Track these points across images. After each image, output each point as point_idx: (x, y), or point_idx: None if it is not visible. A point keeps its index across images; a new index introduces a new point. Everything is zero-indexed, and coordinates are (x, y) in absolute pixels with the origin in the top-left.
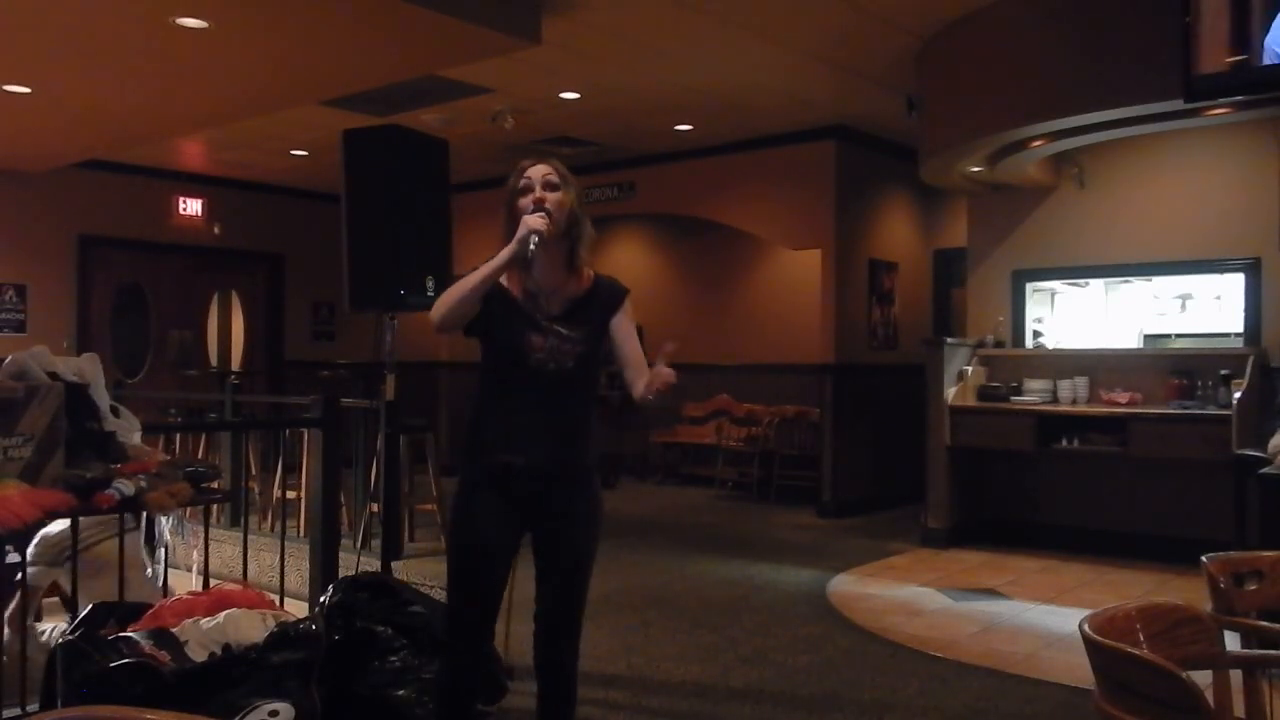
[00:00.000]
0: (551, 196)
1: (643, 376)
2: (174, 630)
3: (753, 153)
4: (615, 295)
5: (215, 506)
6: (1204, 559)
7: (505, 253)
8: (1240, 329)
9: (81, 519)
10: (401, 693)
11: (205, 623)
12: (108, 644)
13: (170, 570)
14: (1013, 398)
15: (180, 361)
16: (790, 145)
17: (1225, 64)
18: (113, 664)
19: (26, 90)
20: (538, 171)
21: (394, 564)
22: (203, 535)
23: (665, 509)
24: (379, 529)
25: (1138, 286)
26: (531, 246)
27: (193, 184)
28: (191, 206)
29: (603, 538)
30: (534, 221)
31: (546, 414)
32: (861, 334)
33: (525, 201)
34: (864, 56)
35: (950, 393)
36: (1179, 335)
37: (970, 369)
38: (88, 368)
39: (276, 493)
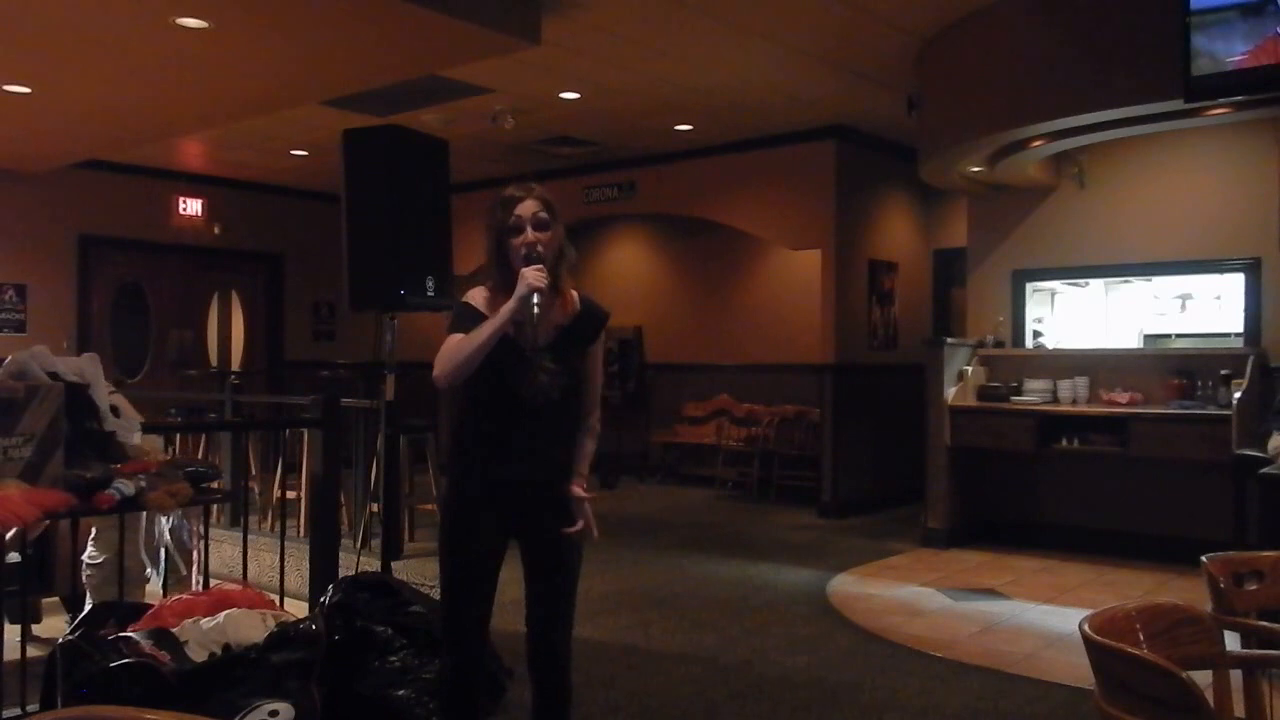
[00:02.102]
0: (543, 237)
1: (593, 413)
2: (174, 630)
3: (753, 153)
4: (597, 323)
5: (215, 506)
6: (1204, 559)
7: (506, 311)
8: (1240, 329)
9: None
10: (401, 693)
11: (205, 623)
12: (108, 644)
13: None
14: (1013, 398)
15: (180, 361)
16: (790, 145)
17: (1225, 64)
18: (113, 664)
19: (26, 90)
20: (527, 210)
21: (394, 564)
22: (202, 535)
23: (665, 509)
24: (379, 529)
25: (1138, 286)
26: (535, 306)
27: (193, 184)
28: (191, 206)
29: (600, 538)
30: (533, 279)
31: (533, 439)
32: (861, 334)
33: (517, 243)
34: (864, 56)
35: (950, 393)
36: (1179, 335)
37: (970, 369)
38: (88, 368)
39: (276, 493)
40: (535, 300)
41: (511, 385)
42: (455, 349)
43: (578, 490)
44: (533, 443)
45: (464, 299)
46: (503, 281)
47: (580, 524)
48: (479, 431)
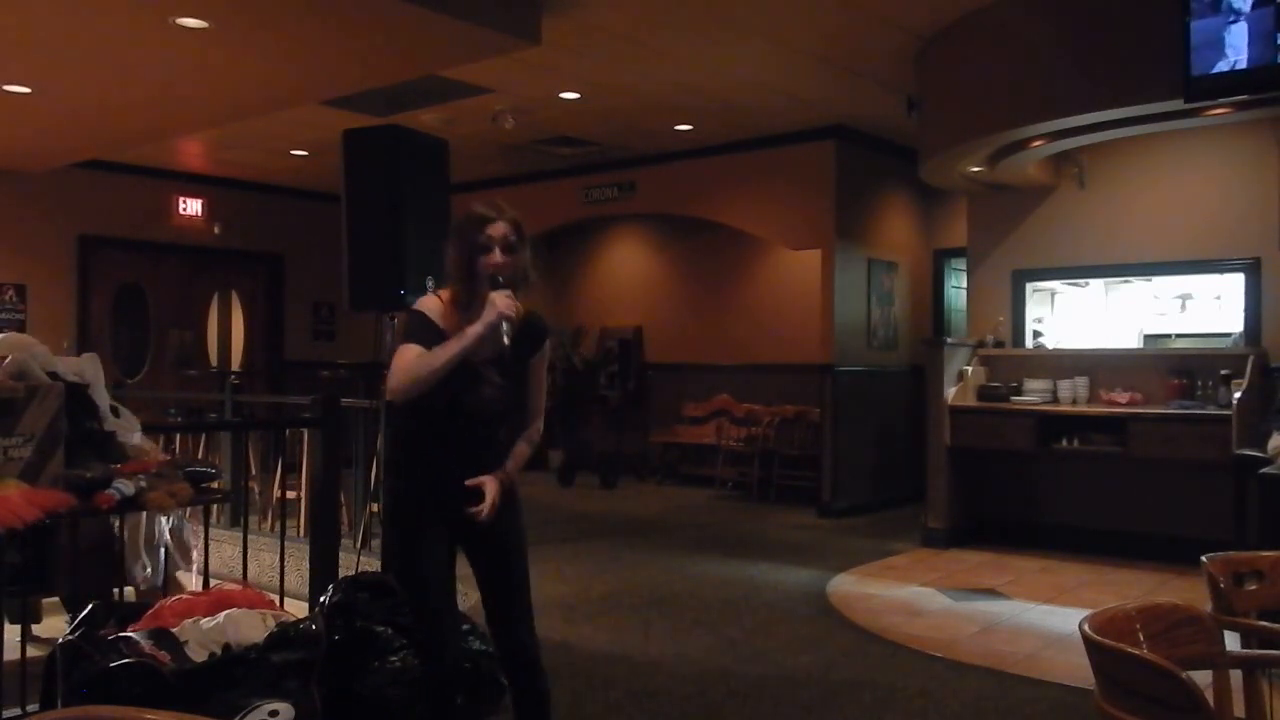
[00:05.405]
0: (510, 260)
1: (536, 421)
2: (174, 630)
3: (753, 153)
4: (539, 336)
5: (215, 506)
6: (1204, 559)
7: (473, 335)
8: (1240, 329)
9: None
10: (401, 693)
11: (205, 623)
12: (108, 644)
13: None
14: (1013, 398)
15: (180, 361)
16: (790, 145)
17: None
18: (113, 664)
19: (26, 90)
20: (497, 231)
21: None
22: (202, 535)
23: (665, 509)
24: (379, 529)
25: (1138, 286)
26: (504, 333)
27: (193, 184)
28: (191, 206)
29: (600, 538)
30: (504, 305)
31: (476, 449)
32: (861, 334)
33: (485, 262)
34: (864, 56)
35: (950, 393)
36: (1179, 335)
37: (970, 369)
38: (88, 368)
39: (276, 493)
40: (505, 329)
41: (457, 396)
42: (414, 365)
43: (490, 477)
44: (475, 456)
45: (417, 307)
46: (466, 294)
47: (483, 505)
48: (420, 442)
